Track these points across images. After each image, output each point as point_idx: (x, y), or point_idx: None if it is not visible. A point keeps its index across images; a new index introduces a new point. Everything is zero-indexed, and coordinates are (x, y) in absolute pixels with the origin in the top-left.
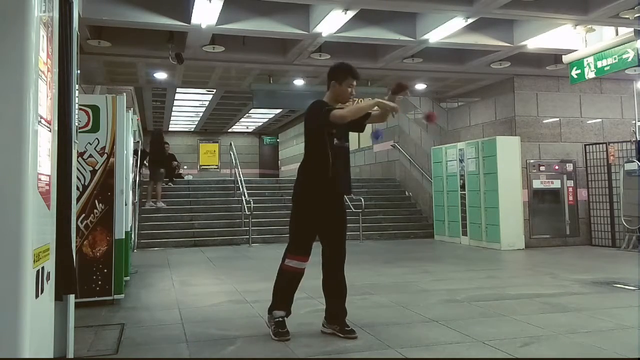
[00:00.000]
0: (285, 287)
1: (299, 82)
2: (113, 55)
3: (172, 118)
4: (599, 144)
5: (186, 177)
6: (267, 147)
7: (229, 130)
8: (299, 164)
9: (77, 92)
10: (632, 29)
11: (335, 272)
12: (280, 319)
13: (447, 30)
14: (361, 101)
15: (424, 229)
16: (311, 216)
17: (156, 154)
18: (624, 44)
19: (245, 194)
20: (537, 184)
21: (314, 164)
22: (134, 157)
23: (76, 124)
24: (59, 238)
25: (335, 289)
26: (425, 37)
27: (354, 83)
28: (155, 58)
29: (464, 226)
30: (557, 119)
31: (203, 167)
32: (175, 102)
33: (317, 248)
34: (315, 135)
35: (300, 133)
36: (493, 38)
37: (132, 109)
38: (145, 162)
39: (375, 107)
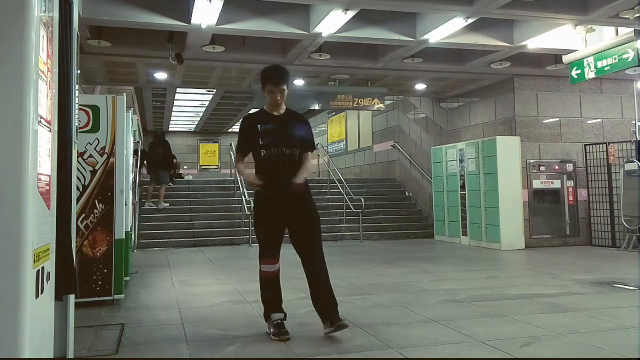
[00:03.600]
0: (267, 291)
1: (299, 82)
2: (113, 55)
3: (172, 118)
4: (599, 144)
5: (186, 177)
6: None
7: (229, 130)
8: None
9: (77, 92)
10: (632, 29)
11: (307, 260)
12: (279, 321)
13: (447, 30)
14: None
15: (424, 229)
16: (261, 219)
17: (164, 157)
18: (624, 44)
19: (245, 194)
20: (537, 184)
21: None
22: (134, 157)
23: (76, 124)
24: (59, 238)
25: (310, 276)
26: (425, 37)
27: (274, 89)
28: (155, 58)
29: (464, 226)
30: (557, 119)
31: (203, 167)
32: (175, 102)
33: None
34: None
35: None
36: (493, 38)
37: (132, 109)
38: (144, 162)
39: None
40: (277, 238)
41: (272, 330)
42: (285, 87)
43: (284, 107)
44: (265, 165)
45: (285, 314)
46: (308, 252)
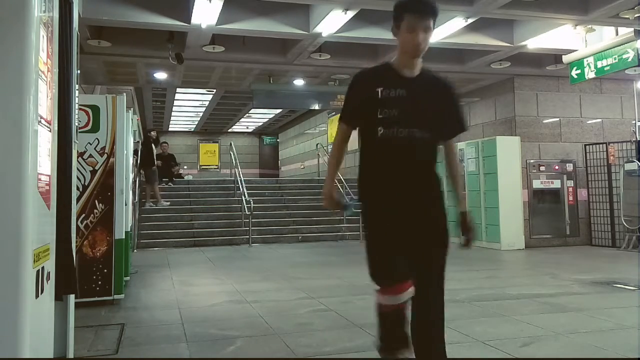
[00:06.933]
0: (391, 330)
1: (299, 82)
2: (113, 55)
3: (172, 118)
4: (599, 144)
5: (186, 177)
6: (267, 147)
7: (229, 130)
8: (299, 164)
9: (77, 92)
10: (632, 29)
11: (420, 292)
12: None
13: (447, 30)
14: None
15: None
16: (377, 219)
17: (145, 157)
18: (624, 44)
19: (245, 194)
20: (537, 184)
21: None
22: (134, 157)
23: (76, 124)
24: (59, 238)
25: (420, 316)
26: None
27: (417, 23)
28: (155, 58)
29: None
30: (557, 119)
31: (203, 167)
32: (175, 102)
33: (321, 247)
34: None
35: (300, 133)
36: (493, 38)
37: (132, 109)
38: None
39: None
40: (403, 247)
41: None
42: (432, 25)
43: (421, 64)
44: (382, 154)
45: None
46: (424, 280)
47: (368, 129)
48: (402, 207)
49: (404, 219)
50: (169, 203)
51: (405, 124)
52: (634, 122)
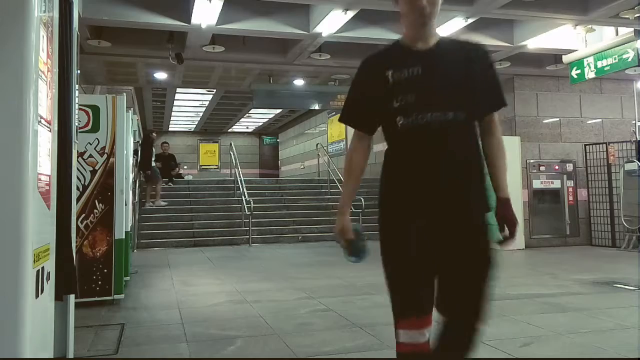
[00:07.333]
0: None
1: (299, 82)
2: (113, 55)
3: (172, 118)
4: (599, 144)
5: (186, 177)
6: (267, 147)
7: (229, 130)
8: (299, 164)
9: (77, 92)
10: (632, 29)
11: (449, 329)
12: None
13: (447, 30)
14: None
15: None
16: (394, 247)
17: (144, 158)
18: (624, 44)
19: (245, 194)
20: (537, 184)
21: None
22: (134, 157)
23: (76, 124)
24: (59, 238)
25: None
26: None
27: None
28: (155, 58)
29: None
30: (557, 119)
31: (203, 167)
32: (175, 102)
33: (321, 247)
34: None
35: (300, 133)
36: (493, 38)
37: (132, 109)
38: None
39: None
40: (423, 278)
41: None
42: None
43: (435, 33)
44: (403, 150)
45: None
46: (456, 317)
47: (387, 125)
48: (430, 218)
49: (431, 235)
50: (166, 203)
51: (426, 108)
52: (634, 122)
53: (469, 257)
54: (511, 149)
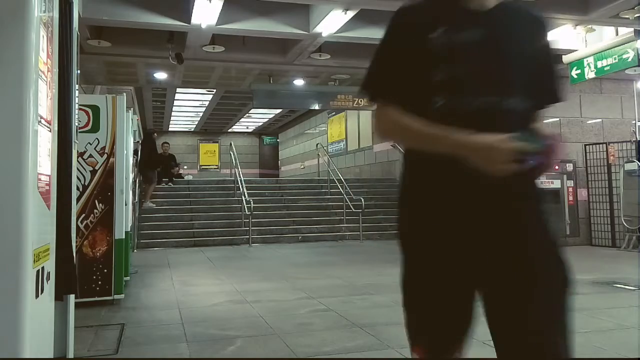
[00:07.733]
0: None
1: (299, 82)
2: (113, 55)
3: (172, 118)
4: (599, 144)
5: (186, 177)
6: (267, 147)
7: (229, 130)
8: (299, 164)
9: (77, 92)
10: (632, 29)
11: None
12: None
13: None
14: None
15: None
16: (418, 265)
17: (149, 156)
18: (624, 44)
19: (245, 194)
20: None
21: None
22: (134, 157)
23: (76, 124)
24: (59, 238)
25: None
26: None
27: None
28: (155, 58)
29: None
30: (557, 119)
31: (203, 167)
32: (175, 102)
33: (321, 247)
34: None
35: (300, 133)
36: None
37: (132, 109)
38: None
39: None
40: (454, 309)
41: None
42: None
43: None
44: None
45: None
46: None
47: (416, 105)
48: (476, 232)
49: (480, 245)
50: (154, 205)
51: (479, 88)
52: (634, 122)
53: (542, 258)
54: None
